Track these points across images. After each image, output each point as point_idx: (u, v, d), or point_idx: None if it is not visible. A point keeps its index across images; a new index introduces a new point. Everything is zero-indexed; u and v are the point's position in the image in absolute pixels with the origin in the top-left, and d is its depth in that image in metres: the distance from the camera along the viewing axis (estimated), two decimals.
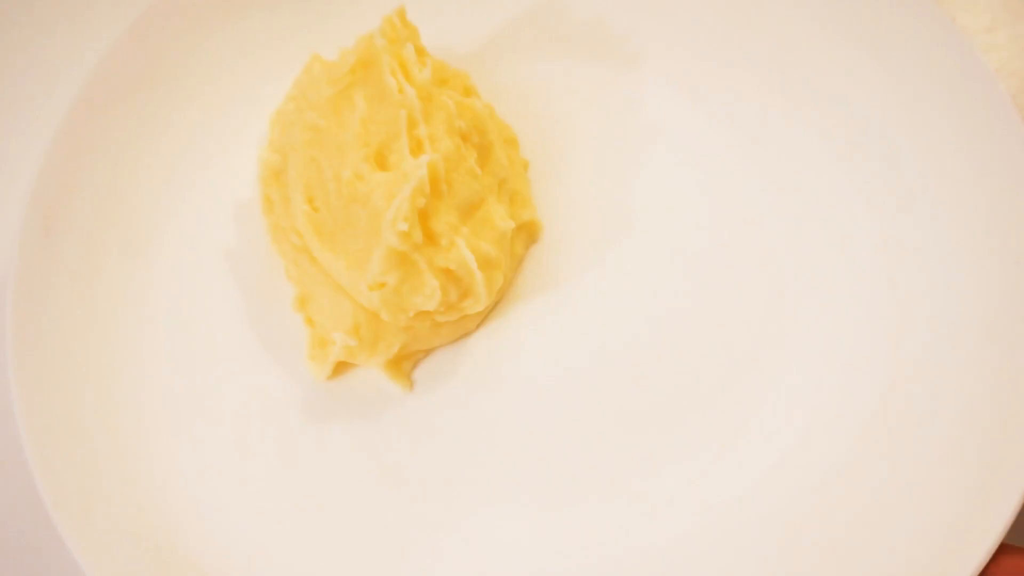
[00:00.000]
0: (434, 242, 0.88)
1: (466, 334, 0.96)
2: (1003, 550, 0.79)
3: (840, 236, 0.94)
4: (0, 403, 0.90)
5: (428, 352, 0.95)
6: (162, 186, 0.99)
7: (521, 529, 0.88)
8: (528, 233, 0.98)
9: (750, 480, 0.87)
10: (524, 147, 1.02)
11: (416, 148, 0.88)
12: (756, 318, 0.93)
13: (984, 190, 0.90)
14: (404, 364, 0.94)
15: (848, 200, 0.95)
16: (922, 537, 0.80)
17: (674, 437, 0.90)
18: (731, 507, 0.86)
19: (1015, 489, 0.79)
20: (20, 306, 0.89)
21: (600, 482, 0.89)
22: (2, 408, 0.90)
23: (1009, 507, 0.78)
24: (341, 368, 0.94)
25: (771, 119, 0.99)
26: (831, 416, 0.88)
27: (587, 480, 0.89)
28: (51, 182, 0.94)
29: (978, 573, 0.77)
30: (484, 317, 0.95)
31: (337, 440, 0.92)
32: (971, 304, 0.87)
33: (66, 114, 0.96)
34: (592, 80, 1.03)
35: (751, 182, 0.98)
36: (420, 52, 0.94)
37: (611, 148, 0.97)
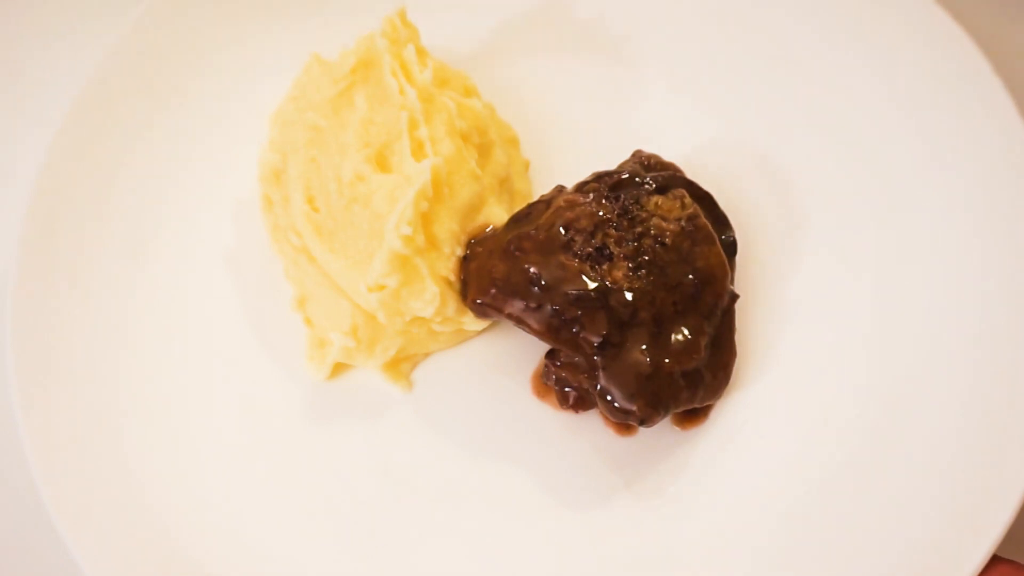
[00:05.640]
0: (436, 247, 0.88)
1: (466, 339, 0.96)
2: (996, 561, 0.79)
3: (839, 237, 0.94)
4: (0, 403, 0.90)
5: (427, 354, 0.95)
6: (162, 186, 0.99)
7: (520, 530, 0.88)
8: None
9: (747, 484, 0.87)
10: (524, 147, 1.02)
11: (417, 150, 0.88)
12: (756, 319, 0.93)
13: (984, 190, 0.90)
14: (403, 365, 0.94)
15: (847, 200, 0.95)
16: (916, 547, 0.80)
17: (675, 437, 0.90)
18: (729, 509, 0.86)
19: (1009, 501, 0.79)
20: (20, 306, 0.89)
21: (600, 483, 0.89)
22: (2, 408, 0.90)
23: (1002, 519, 0.78)
24: (340, 368, 0.94)
25: (771, 119, 0.99)
26: (827, 424, 0.88)
27: (587, 481, 0.89)
28: (51, 182, 0.94)
29: None
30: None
31: (336, 440, 0.92)
32: (970, 306, 0.87)
33: (66, 114, 0.96)
34: (592, 80, 1.03)
35: (750, 181, 0.98)
36: (421, 53, 0.95)
37: (611, 148, 0.96)
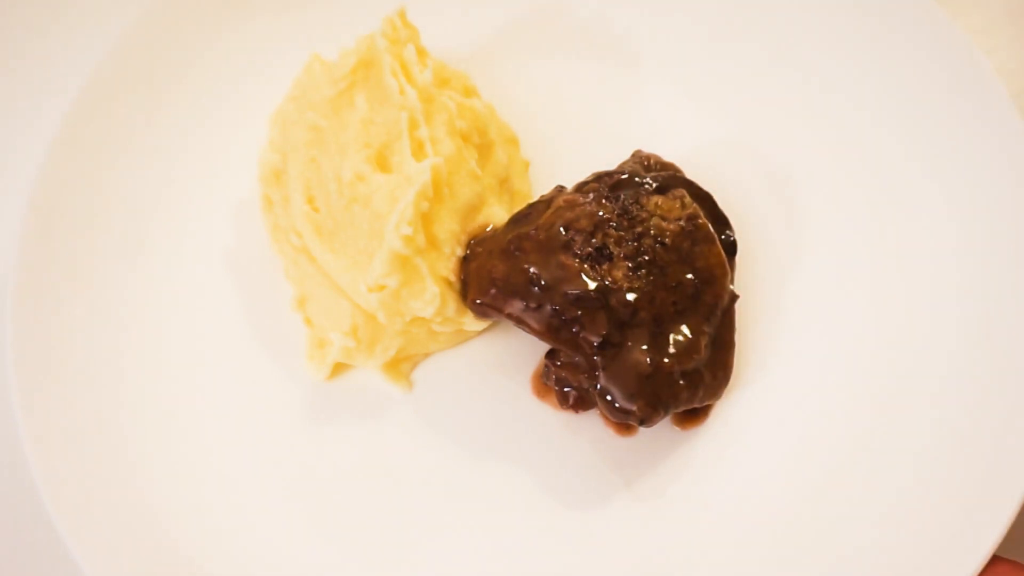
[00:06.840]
0: (436, 247, 0.88)
1: (466, 339, 0.96)
2: (996, 561, 0.79)
3: (838, 237, 0.94)
4: (0, 403, 0.90)
5: (427, 354, 0.95)
6: (162, 186, 0.99)
7: (520, 530, 0.88)
8: None
9: (747, 484, 0.87)
10: (524, 147, 1.02)
11: (417, 150, 0.88)
12: (756, 319, 0.93)
13: (984, 191, 0.90)
14: (403, 365, 0.94)
15: (847, 200, 0.95)
16: (916, 547, 0.80)
17: (675, 437, 0.90)
18: (729, 509, 0.87)
19: (1009, 501, 0.79)
20: (20, 306, 0.89)
21: (600, 483, 0.89)
22: (2, 408, 0.90)
23: (1002, 519, 0.79)
24: (340, 368, 0.94)
25: (770, 119, 0.99)
26: (827, 424, 0.88)
27: (587, 481, 0.89)
28: (51, 182, 0.94)
29: None
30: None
31: (336, 440, 0.92)
32: (970, 305, 0.87)
33: (66, 114, 0.96)
34: (592, 80, 1.03)
35: (750, 181, 0.98)
36: (421, 53, 0.95)
37: (611, 148, 0.97)
